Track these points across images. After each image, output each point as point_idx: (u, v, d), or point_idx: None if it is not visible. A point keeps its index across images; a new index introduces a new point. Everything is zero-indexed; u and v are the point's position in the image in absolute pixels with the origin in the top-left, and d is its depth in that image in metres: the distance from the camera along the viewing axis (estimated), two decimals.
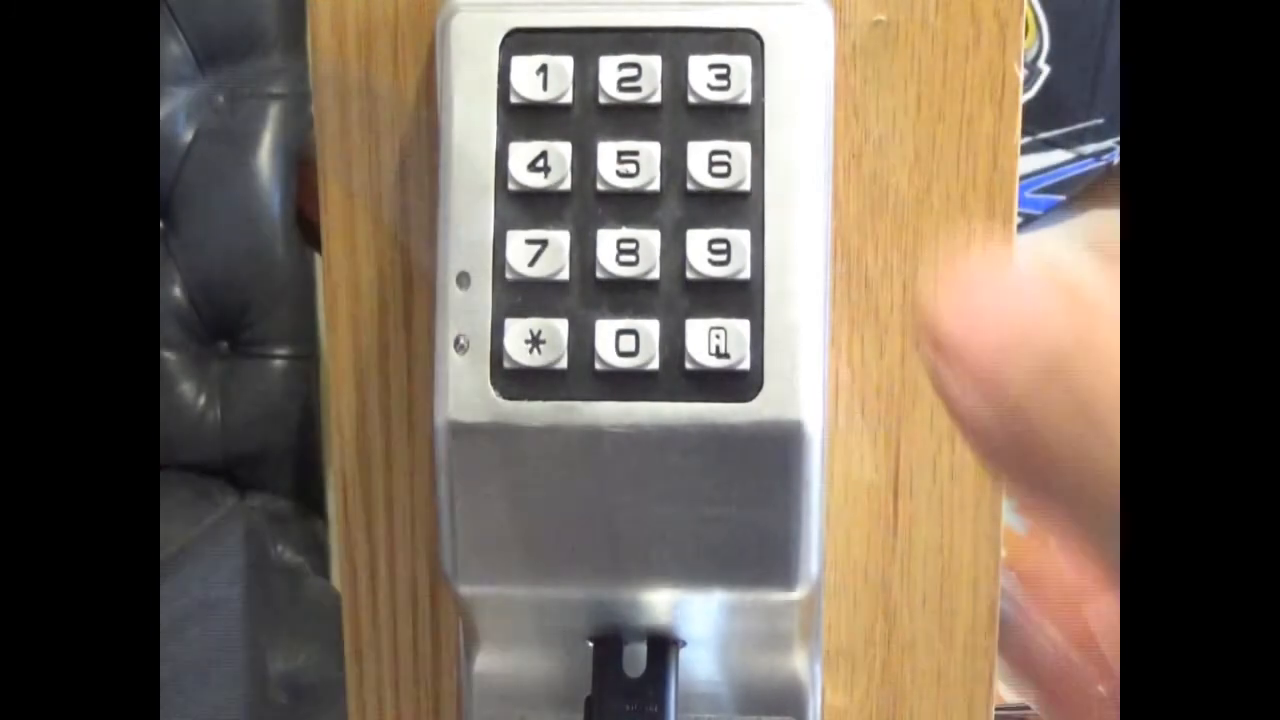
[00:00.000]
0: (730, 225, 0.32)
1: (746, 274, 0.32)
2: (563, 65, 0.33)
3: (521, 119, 0.33)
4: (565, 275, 0.33)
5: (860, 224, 0.37)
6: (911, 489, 0.38)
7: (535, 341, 0.32)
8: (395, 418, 0.38)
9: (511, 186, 0.33)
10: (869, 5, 0.36)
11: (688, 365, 0.32)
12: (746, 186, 0.32)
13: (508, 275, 0.33)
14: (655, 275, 0.32)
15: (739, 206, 0.33)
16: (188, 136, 1.56)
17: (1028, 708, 0.51)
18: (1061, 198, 0.81)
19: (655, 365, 0.32)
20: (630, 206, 0.33)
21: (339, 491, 0.39)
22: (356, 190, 0.37)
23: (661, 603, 0.34)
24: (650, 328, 0.32)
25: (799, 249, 0.32)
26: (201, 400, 1.57)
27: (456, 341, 0.33)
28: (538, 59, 0.33)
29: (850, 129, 0.37)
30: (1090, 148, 0.80)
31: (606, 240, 0.33)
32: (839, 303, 0.37)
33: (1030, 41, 0.80)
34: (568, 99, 0.33)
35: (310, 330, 1.56)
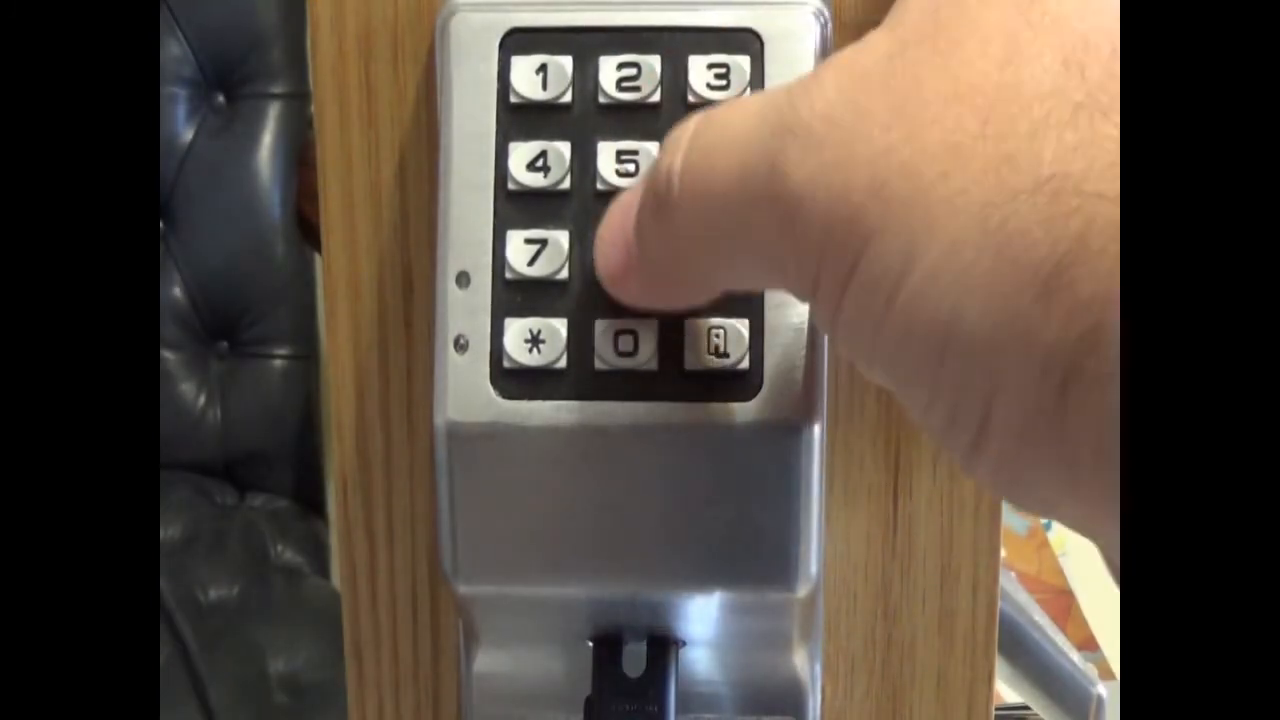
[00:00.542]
0: None
1: None
2: (562, 65, 0.33)
3: (521, 118, 0.33)
4: (565, 275, 0.33)
5: None
6: (911, 489, 0.38)
7: (535, 341, 0.32)
8: (395, 418, 0.38)
9: (511, 186, 0.33)
10: (869, 5, 0.36)
11: (687, 365, 0.32)
12: None
13: (507, 275, 0.33)
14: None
15: None
16: (188, 136, 1.56)
17: (1027, 708, 0.51)
18: None
19: (654, 365, 0.32)
20: None
21: (339, 491, 0.39)
22: (356, 190, 0.37)
23: (661, 602, 0.34)
24: (650, 327, 0.32)
25: None
26: (201, 400, 1.57)
27: (456, 341, 0.33)
28: (537, 59, 0.33)
29: None
30: None
31: None
32: None
33: None
34: (567, 99, 0.33)
35: (310, 330, 1.56)
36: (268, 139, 1.55)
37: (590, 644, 0.36)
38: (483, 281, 0.33)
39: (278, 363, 1.57)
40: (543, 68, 0.33)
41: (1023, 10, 0.24)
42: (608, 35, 0.33)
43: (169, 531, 1.50)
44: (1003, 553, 0.39)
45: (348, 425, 0.39)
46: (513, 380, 0.32)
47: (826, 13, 0.33)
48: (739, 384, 0.32)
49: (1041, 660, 0.49)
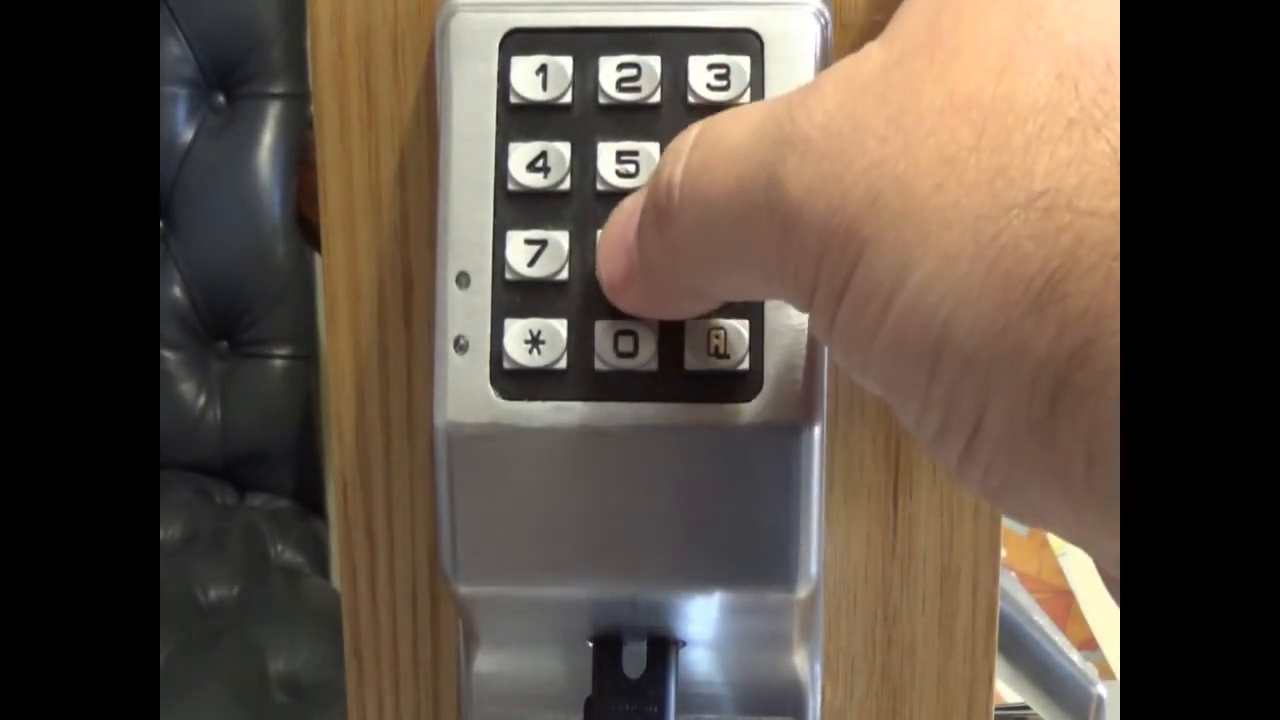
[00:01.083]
0: None
1: None
2: (562, 65, 0.33)
3: (521, 119, 0.33)
4: (565, 275, 0.33)
5: None
6: (911, 489, 0.38)
7: (535, 342, 0.32)
8: (395, 418, 0.38)
9: (511, 186, 0.33)
10: (869, 5, 0.36)
11: (687, 366, 0.32)
12: None
13: (507, 275, 0.33)
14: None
15: None
16: (188, 136, 1.56)
17: (1027, 707, 0.51)
18: None
19: (655, 366, 0.32)
20: None
21: (339, 491, 0.39)
22: (356, 190, 0.37)
23: (661, 603, 0.34)
24: (650, 328, 0.32)
25: None
26: (201, 400, 1.57)
27: (456, 341, 0.33)
28: (537, 59, 0.33)
29: None
30: None
31: None
32: None
33: None
34: (567, 99, 0.33)
35: (310, 330, 1.56)
36: (268, 139, 1.55)
37: (590, 644, 0.36)
38: (483, 282, 0.33)
39: (278, 363, 1.57)
40: (543, 68, 0.33)
41: (1019, 23, 0.25)
42: (608, 35, 0.33)
43: (169, 531, 1.50)
44: (1003, 553, 0.39)
45: (348, 425, 0.39)
46: (513, 381, 0.32)
47: (826, 13, 0.33)
48: (739, 385, 0.32)
49: (1041, 660, 0.49)
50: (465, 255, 0.33)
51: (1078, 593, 1.14)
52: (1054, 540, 1.16)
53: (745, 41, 0.33)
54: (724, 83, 0.33)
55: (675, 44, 0.33)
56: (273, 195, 1.55)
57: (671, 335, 0.32)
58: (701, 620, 0.35)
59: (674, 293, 0.31)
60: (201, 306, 1.57)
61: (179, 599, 1.42)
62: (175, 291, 1.56)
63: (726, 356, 0.32)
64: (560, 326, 0.32)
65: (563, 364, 0.32)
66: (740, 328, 0.32)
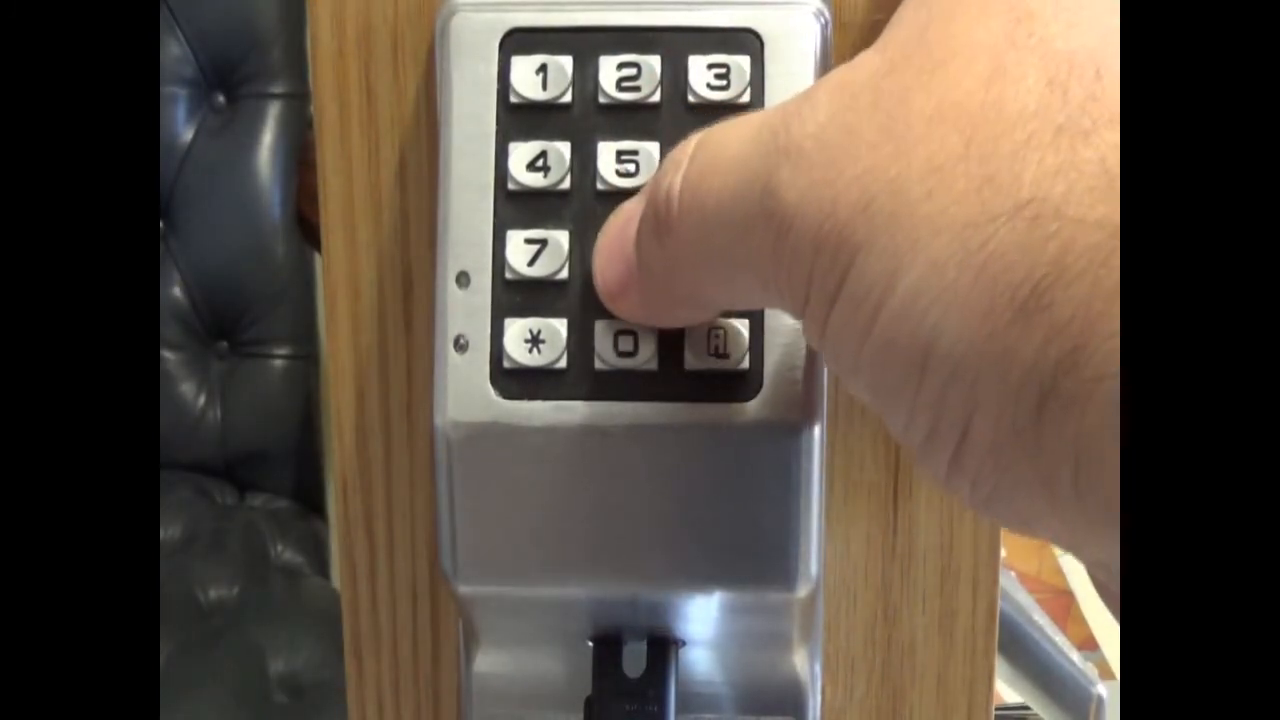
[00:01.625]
0: None
1: None
2: (562, 65, 0.33)
3: (521, 118, 0.33)
4: (565, 275, 0.33)
5: None
6: (911, 489, 0.38)
7: (535, 341, 0.32)
8: (395, 417, 0.38)
9: (511, 186, 0.33)
10: (869, 5, 0.36)
11: (687, 365, 0.32)
12: None
13: (507, 275, 0.33)
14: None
15: None
16: (188, 136, 1.56)
17: (1028, 707, 0.51)
18: None
19: (654, 365, 0.32)
20: None
21: (339, 491, 0.39)
22: (356, 190, 0.37)
23: (661, 603, 0.34)
24: (649, 328, 0.32)
25: None
26: (201, 400, 1.57)
27: (456, 341, 0.33)
28: (537, 59, 0.33)
29: None
30: None
31: None
32: None
33: None
34: (567, 99, 0.33)
35: (310, 330, 1.56)
36: (268, 139, 1.55)
37: (590, 644, 0.36)
38: (483, 282, 0.33)
39: (278, 363, 1.57)
40: (543, 68, 0.33)
41: (1009, 31, 0.25)
42: (608, 35, 0.33)
43: (169, 531, 1.50)
44: (1003, 553, 0.39)
45: (348, 425, 0.39)
46: (513, 380, 0.32)
47: (826, 13, 0.33)
48: (739, 384, 0.32)
49: (1041, 660, 0.49)
50: (465, 255, 0.33)
51: (1078, 593, 1.14)
52: None
53: (745, 41, 0.33)
54: (724, 82, 0.33)
55: (675, 44, 0.33)
56: (273, 195, 1.55)
57: (671, 335, 0.32)
58: (701, 620, 0.35)
59: (671, 301, 0.31)
60: (201, 306, 1.57)
61: (179, 599, 1.42)
62: (175, 291, 1.56)
63: (726, 356, 0.32)
64: (560, 326, 0.32)
65: (563, 363, 0.32)
66: (740, 327, 0.32)
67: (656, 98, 0.33)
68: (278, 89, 1.56)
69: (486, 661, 0.37)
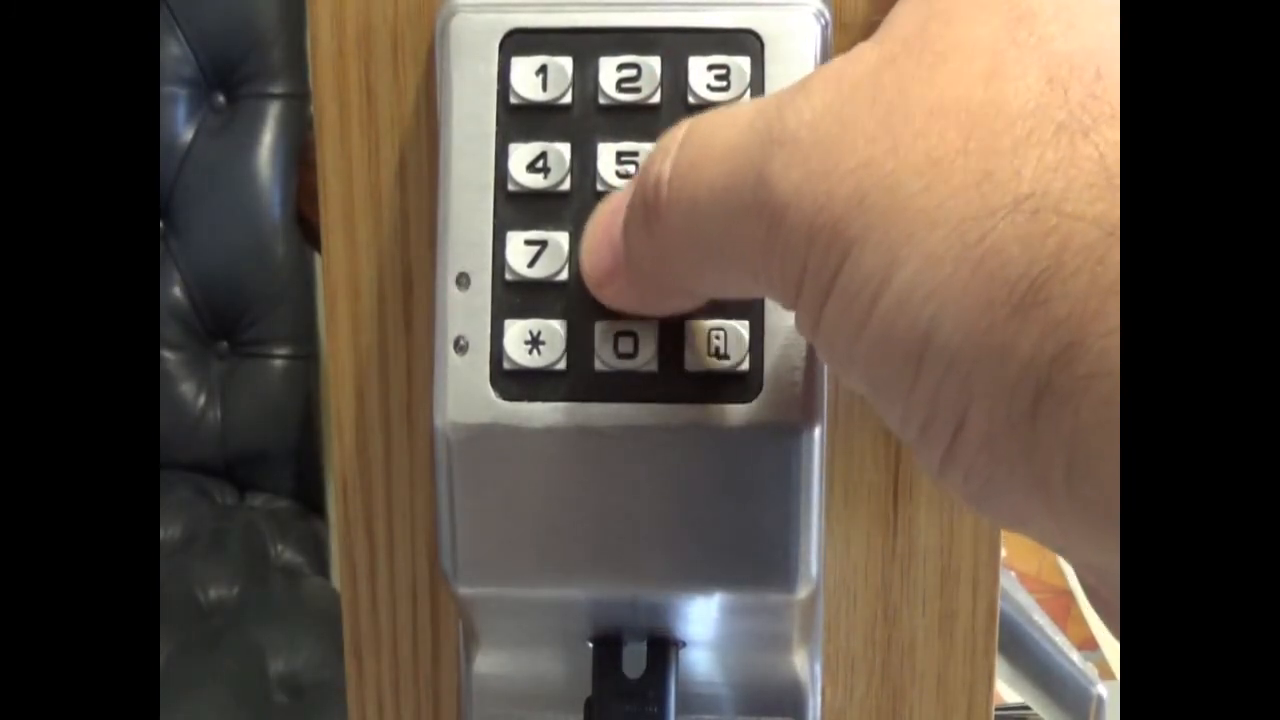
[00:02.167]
0: None
1: None
2: (562, 65, 0.33)
3: (521, 119, 0.33)
4: (565, 276, 0.33)
5: None
6: (911, 489, 0.38)
7: (535, 342, 0.32)
8: (395, 418, 0.38)
9: (511, 187, 0.33)
10: (869, 5, 0.36)
11: (687, 366, 0.32)
12: None
13: (507, 276, 0.33)
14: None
15: None
16: (188, 136, 1.56)
17: (1028, 707, 0.51)
18: None
19: (654, 366, 0.32)
20: None
21: (339, 491, 0.39)
22: (356, 190, 0.37)
23: (661, 604, 0.34)
24: (650, 329, 0.32)
25: None
26: (201, 400, 1.57)
27: (456, 342, 0.33)
28: (537, 59, 0.33)
29: None
30: None
31: None
32: None
33: None
34: (567, 99, 0.33)
35: (310, 330, 1.56)
36: (268, 139, 1.55)
37: (590, 645, 0.36)
38: (483, 282, 0.33)
39: (278, 363, 1.57)
40: (543, 68, 0.33)
41: (1009, 28, 0.25)
42: (608, 36, 0.33)
43: (169, 531, 1.50)
44: (1003, 553, 0.39)
45: (348, 425, 0.39)
46: (513, 381, 0.32)
47: (827, 13, 0.33)
48: (739, 385, 0.32)
49: (1041, 660, 0.49)
50: (465, 255, 0.33)
51: (1078, 593, 1.14)
52: None
53: (745, 42, 0.33)
54: (724, 83, 0.33)
55: (675, 44, 0.33)
56: (273, 195, 1.55)
57: (671, 336, 0.32)
58: (701, 621, 0.35)
59: (659, 289, 0.31)
60: (201, 306, 1.57)
61: (179, 599, 1.42)
62: (175, 291, 1.56)
63: (726, 357, 0.32)
64: (560, 327, 0.32)
65: (562, 364, 0.32)
66: (740, 328, 0.32)
67: (657, 99, 0.33)
68: (278, 89, 1.56)
69: (486, 662, 0.37)
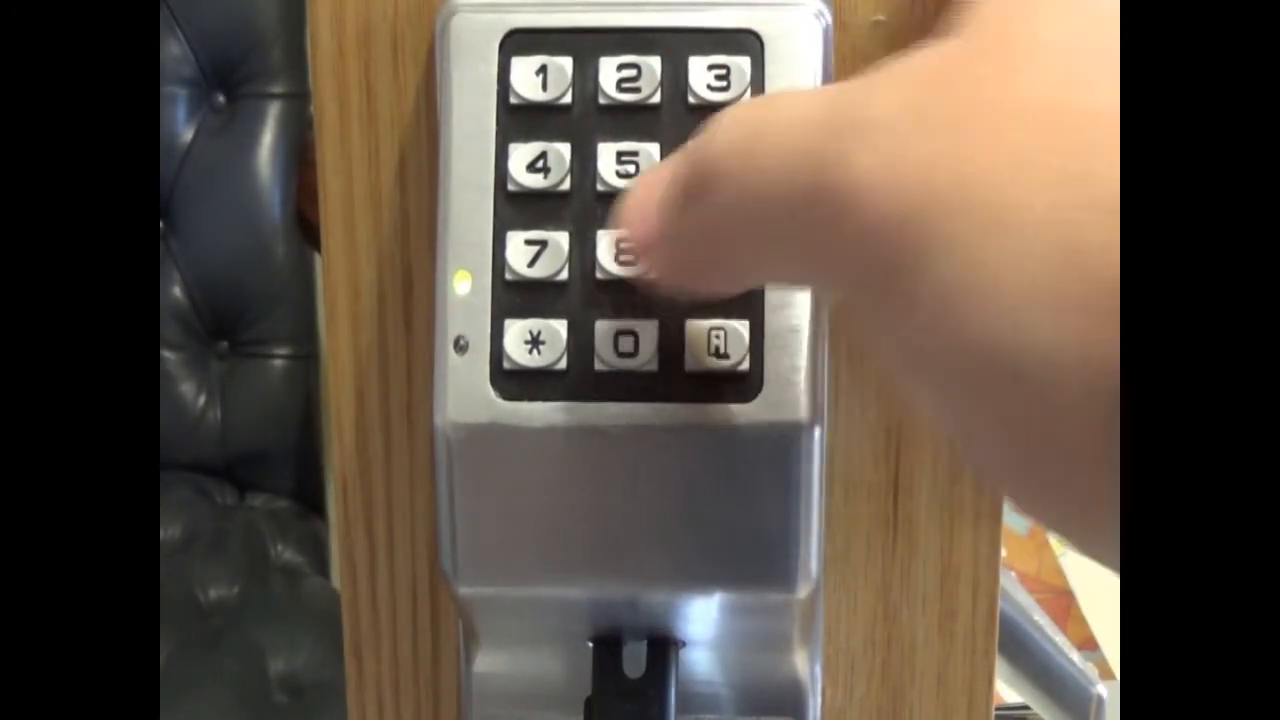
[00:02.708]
0: None
1: None
2: (562, 66, 0.33)
3: (521, 119, 0.33)
4: (565, 275, 0.33)
5: None
6: (911, 489, 0.38)
7: (535, 342, 0.32)
8: (395, 418, 0.38)
9: (511, 187, 0.33)
10: (869, 5, 0.36)
11: (687, 366, 0.32)
12: None
13: (507, 276, 0.33)
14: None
15: None
16: (188, 136, 1.56)
17: (1027, 707, 0.51)
18: None
19: (654, 366, 0.32)
20: None
21: (339, 491, 0.39)
22: (356, 190, 0.37)
23: (661, 603, 0.34)
24: (650, 328, 0.32)
25: None
26: (201, 400, 1.57)
27: (456, 342, 0.33)
28: (537, 59, 0.33)
29: None
30: None
31: (606, 241, 0.33)
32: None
33: None
34: (567, 99, 0.33)
35: (310, 330, 1.56)
36: (268, 139, 1.55)
37: (590, 644, 0.36)
38: (483, 282, 0.33)
39: (278, 363, 1.57)
40: (543, 69, 0.33)
41: (1086, 33, 0.24)
42: (608, 36, 0.33)
43: (169, 531, 1.50)
44: (1003, 553, 0.39)
45: (348, 425, 0.39)
46: (513, 381, 0.32)
47: (827, 13, 0.33)
48: (739, 385, 0.32)
49: (1041, 660, 0.49)
50: (465, 255, 0.33)
51: (1078, 593, 1.14)
52: (1054, 540, 1.16)
53: (745, 42, 0.33)
54: (724, 83, 0.33)
55: (675, 44, 0.33)
56: (273, 195, 1.55)
57: (671, 335, 0.32)
58: (701, 620, 0.35)
59: (703, 266, 0.29)
60: (201, 306, 1.57)
61: (179, 599, 1.42)
62: (175, 291, 1.56)
63: (726, 357, 0.32)
64: (560, 327, 0.32)
65: (563, 364, 0.32)
66: (740, 328, 0.32)
67: (657, 99, 0.33)
68: (278, 89, 1.56)
69: (486, 661, 0.37)
